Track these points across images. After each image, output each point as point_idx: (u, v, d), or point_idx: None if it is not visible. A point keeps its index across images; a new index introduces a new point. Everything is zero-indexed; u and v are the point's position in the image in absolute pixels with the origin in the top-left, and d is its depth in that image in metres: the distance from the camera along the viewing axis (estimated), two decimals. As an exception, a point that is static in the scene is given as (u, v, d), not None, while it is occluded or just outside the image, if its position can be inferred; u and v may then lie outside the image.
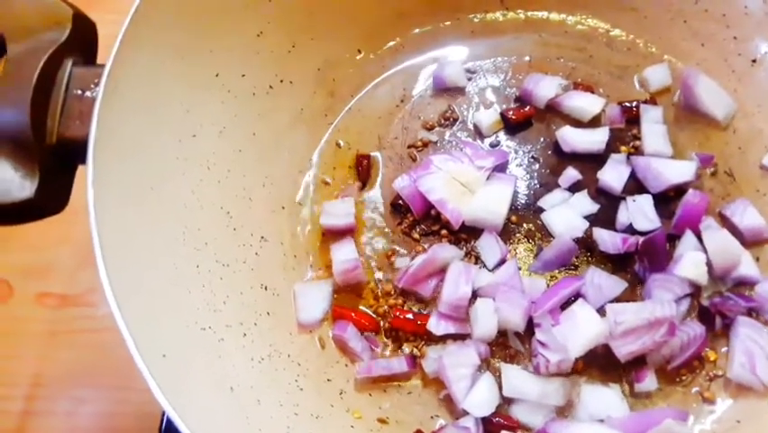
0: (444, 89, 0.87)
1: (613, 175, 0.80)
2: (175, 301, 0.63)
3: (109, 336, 0.96)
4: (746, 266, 0.74)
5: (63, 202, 0.66)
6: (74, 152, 0.63)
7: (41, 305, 1.00)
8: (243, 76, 0.78)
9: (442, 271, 0.75)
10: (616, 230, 0.77)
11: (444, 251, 0.75)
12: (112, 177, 0.60)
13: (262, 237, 0.77)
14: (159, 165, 0.67)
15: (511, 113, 0.84)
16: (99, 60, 0.71)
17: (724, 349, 0.72)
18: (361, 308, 0.77)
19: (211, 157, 0.74)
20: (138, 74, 0.64)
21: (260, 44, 0.79)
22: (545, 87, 0.84)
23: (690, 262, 0.72)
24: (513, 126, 0.85)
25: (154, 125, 0.67)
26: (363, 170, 0.83)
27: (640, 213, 0.76)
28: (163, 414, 0.83)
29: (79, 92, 0.65)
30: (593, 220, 0.78)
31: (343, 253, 0.78)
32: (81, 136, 0.61)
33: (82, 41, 0.68)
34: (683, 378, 0.72)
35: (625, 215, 0.77)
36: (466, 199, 0.78)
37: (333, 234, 0.80)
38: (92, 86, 0.65)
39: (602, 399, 0.69)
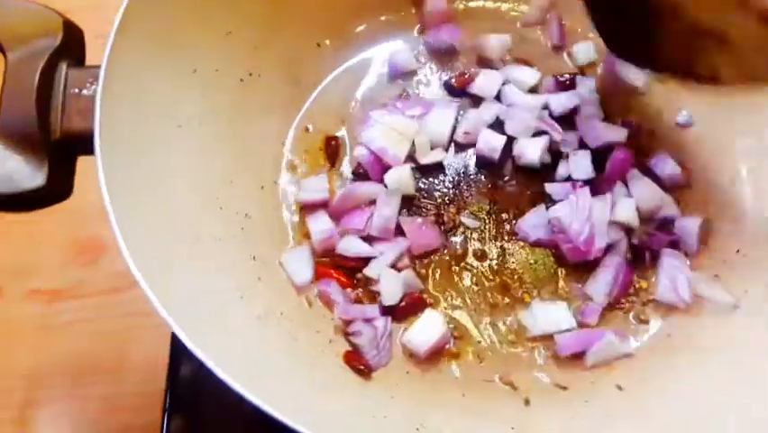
0: (398, 74, 0.96)
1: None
2: (182, 269, 0.71)
3: (101, 324, 1.03)
4: (668, 207, 0.85)
5: (69, 189, 0.73)
6: (76, 145, 0.71)
7: (33, 301, 1.04)
8: (217, 71, 0.85)
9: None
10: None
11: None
12: (114, 164, 0.67)
13: (246, 214, 0.85)
14: (150, 154, 0.74)
15: (453, 80, 0.94)
16: (88, 62, 0.78)
17: (654, 279, 0.83)
18: (337, 267, 0.85)
19: (194, 144, 0.81)
20: (128, 73, 0.71)
21: (230, 42, 0.86)
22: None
23: (622, 208, 0.83)
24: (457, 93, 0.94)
25: (144, 118, 0.73)
26: (332, 151, 0.92)
27: (579, 165, 0.86)
28: (166, 392, 0.89)
29: (76, 90, 0.72)
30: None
31: (320, 225, 0.86)
32: (82, 129, 0.69)
33: (73, 45, 0.75)
34: (622, 305, 0.82)
35: (564, 168, 0.87)
36: (402, 146, 0.88)
37: (309, 208, 0.87)
38: (87, 84, 0.72)
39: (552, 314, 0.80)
